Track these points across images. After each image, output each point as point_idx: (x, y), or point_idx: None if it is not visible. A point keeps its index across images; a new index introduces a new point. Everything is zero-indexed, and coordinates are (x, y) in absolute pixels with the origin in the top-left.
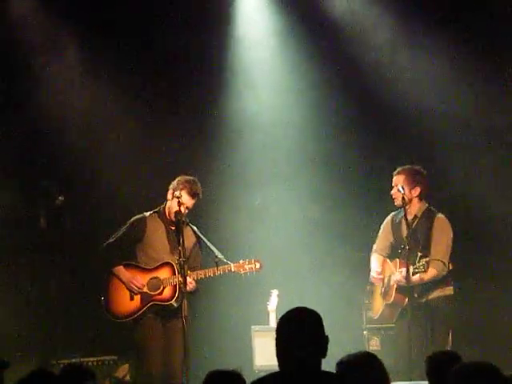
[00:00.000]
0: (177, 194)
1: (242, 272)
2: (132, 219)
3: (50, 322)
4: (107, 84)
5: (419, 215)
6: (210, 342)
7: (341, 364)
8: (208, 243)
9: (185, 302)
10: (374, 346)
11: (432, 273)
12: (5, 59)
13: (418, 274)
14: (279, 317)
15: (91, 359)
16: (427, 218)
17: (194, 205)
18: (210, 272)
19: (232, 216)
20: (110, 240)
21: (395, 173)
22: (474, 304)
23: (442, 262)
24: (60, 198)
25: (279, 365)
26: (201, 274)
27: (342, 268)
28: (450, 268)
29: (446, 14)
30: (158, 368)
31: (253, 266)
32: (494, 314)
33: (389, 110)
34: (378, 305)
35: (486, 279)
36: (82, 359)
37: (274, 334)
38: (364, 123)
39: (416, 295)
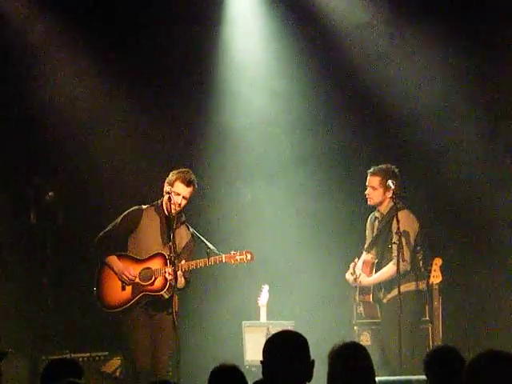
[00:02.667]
0: (170, 188)
1: (233, 263)
2: (128, 210)
3: (40, 318)
4: (101, 80)
5: (385, 213)
6: (201, 337)
7: (330, 354)
8: (199, 235)
9: (175, 297)
10: (364, 341)
11: (390, 269)
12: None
13: (372, 277)
14: (270, 312)
15: (82, 355)
16: (391, 214)
17: (192, 194)
18: (201, 263)
19: (223, 212)
20: (105, 231)
21: (370, 172)
22: (467, 296)
23: (402, 259)
24: (50, 193)
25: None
26: (192, 264)
27: (333, 263)
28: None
29: (440, 14)
30: (145, 360)
31: (244, 256)
32: (486, 305)
33: (382, 110)
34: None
35: (478, 271)
36: (72, 355)
37: (264, 330)
38: (355, 120)
39: (383, 291)
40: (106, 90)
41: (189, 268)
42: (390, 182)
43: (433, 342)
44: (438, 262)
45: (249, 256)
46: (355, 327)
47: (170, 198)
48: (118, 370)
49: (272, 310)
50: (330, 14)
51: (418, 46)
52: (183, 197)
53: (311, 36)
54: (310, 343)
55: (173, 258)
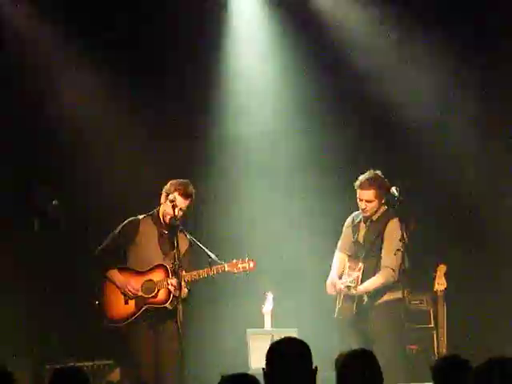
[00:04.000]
0: (171, 197)
1: (236, 271)
2: (125, 222)
3: (44, 325)
4: (104, 89)
5: (375, 219)
6: (205, 345)
7: (337, 362)
8: (199, 244)
9: (180, 307)
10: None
11: (378, 280)
12: None
13: (361, 286)
14: (274, 320)
15: (86, 363)
16: (381, 221)
17: (189, 207)
18: (203, 273)
19: (225, 218)
20: (103, 244)
21: (361, 186)
22: (472, 302)
23: (390, 268)
24: (54, 202)
25: None
26: (195, 274)
27: None
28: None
29: (442, 17)
30: (149, 371)
31: (246, 265)
32: (492, 311)
33: (385, 115)
34: (338, 305)
35: (483, 277)
36: (76, 363)
37: (269, 337)
38: (359, 126)
39: (366, 299)
40: (109, 98)
41: (191, 279)
42: (394, 190)
43: (438, 349)
44: (442, 268)
45: (251, 264)
46: None
47: (173, 205)
48: (123, 380)
49: (276, 318)
50: (332, 22)
51: (423, 53)
52: (180, 208)
53: (315, 44)
54: (314, 350)
55: (177, 267)
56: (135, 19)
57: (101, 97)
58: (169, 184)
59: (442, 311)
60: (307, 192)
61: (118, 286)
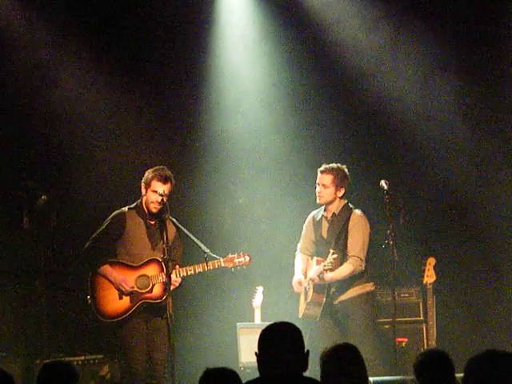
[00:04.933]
0: (151, 186)
1: (232, 266)
2: (111, 215)
3: (34, 321)
4: (96, 85)
5: (337, 212)
6: (195, 339)
7: (322, 356)
8: (194, 238)
9: (169, 299)
10: None
11: (348, 268)
12: None
13: (332, 273)
14: (264, 314)
15: (76, 358)
16: (344, 214)
17: (170, 189)
18: (199, 268)
19: (217, 214)
20: (92, 239)
21: (322, 170)
22: (461, 295)
23: (357, 257)
24: (43, 197)
25: (260, 372)
26: (190, 269)
27: None
28: (366, 265)
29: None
30: (141, 366)
31: (242, 259)
32: (481, 304)
33: (380, 113)
34: (302, 304)
35: (472, 270)
36: (66, 358)
37: (258, 331)
38: (352, 124)
39: (334, 292)
40: (100, 94)
41: (187, 274)
42: (383, 183)
43: (427, 342)
44: (431, 261)
45: (247, 258)
46: None
47: (153, 192)
48: (114, 373)
49: (266, 312)
50: (325, 19)
51: (417, 51)
52: (160, 194)
53: (306, 42)
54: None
55: (166, 260)
56: (125, 17)
57: (94, 94)
58: (146, 173)
59: (432, 303)
60: (297, 187)
61: (111, 282)
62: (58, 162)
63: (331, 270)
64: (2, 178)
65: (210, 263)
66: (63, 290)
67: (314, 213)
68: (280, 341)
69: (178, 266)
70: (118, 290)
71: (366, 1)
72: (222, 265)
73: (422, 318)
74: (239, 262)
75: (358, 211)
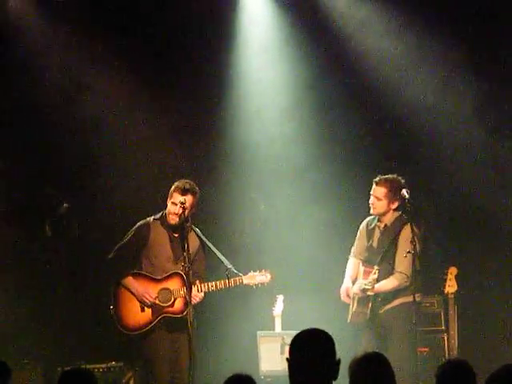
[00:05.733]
0: (173, 198)
1: (253, 284)
2: (137, 225)
3: (56, 328)
4: (117, 94)
5: (389, 224)
6: (216, 347)
7: (352, 365)
8: (217, 253)
9: (190, 307)
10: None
11: (392, 283)
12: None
13: (376, 285)
14: (285, 322)
15: (98, 366)
16: (395, 227)
17: (192, 202)
18: (221, 284)
19: (238, 222)
20: (116, 249)
21: (376, 182)
22: (483, 305)
23: (404, 274)
24: (65, 205)
25: (291, 379)
26: (212, 286)
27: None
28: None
29: (447, 18)
30: (165, 378)
31: (264, 277)
32: (503, 313)
33: (395, 119)
34: (350, 311)
35: (490, 280)
36: (87, 366)
37: (279, 340)
38: (367, 130)
39: (380, 302)
40: (123, 103)
41: (209, 290)
42: (404, 192)
43: (448, 352)
44: (453, 271)
45: (268, 276)
46: None
47: (173, 203)
48: (136, 382)
49: (287, 320)
50: (346, 29)
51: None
52: (181, 206)
53: (325, 50)
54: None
55: (187, 269)
56: (148, 23)
57: (117, 103)
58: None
59: (453, 313)
60: (319, 195)
61: (134, 294)
62: (81, 170)
63: (371, 289)
64: (25, 187)
65: (231, 280)
66: (85, 297)
67: (368, 219)
68: (311, 347)
69: (198, 281)
70: (140, 302)
71: (390, 7)
72: (244, 282)
73: (443, 327)
74: (260, 280)
75: (409, 226)
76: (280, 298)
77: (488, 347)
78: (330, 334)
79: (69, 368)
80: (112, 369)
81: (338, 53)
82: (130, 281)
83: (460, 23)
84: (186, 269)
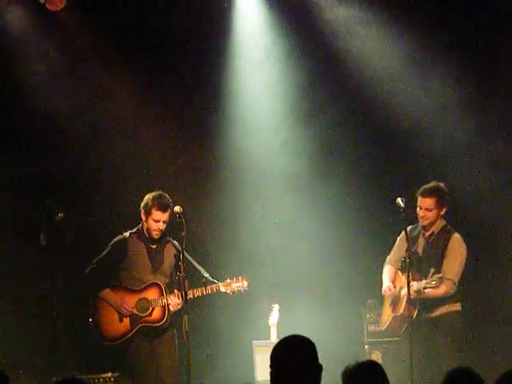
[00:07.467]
0: (152, 215)
1: (230, 291)
2: (113, 241)
3: (51, 339)
4: (119, 105)
5: (436, 232)
6: (211, 357)
7: (345, 374)
8: (193, 262)
9: (185, 317)
10: (375, 359)
11: (442, 290)
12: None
13: (427, 290)
14: (280, 332)
15: (92, 376)
16: (444, 236)
17: (170, 216)
18: (198, 292)
19: (234, 230)
20: (93, 264)
21: (422, 194)
22: (483, 320)
23: (452, 281)
24: (60, 214)
25: None
26: (189, 294)
27: (342, 282)
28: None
29: (448, 31)
30: (150, 382)
31: (240, 284)
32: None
33: (394, 125)
34: (386, 316)
35: (495, 296)
36: (81, 376)
37: None
38: (369, 136)
39: (424, 309)
40: (117, 111)
41: (187, 297)
42: (399, 200)
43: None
44: None
45: (245, 283)
46: (366, 346)
47: (154, 221)
48: None
49: (282, 330)
50: (340, 34)
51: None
52: (163, 221)
53: (323, 56)
54: (321, 363)
55: (182, 279)
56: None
57: (111, 112)
58: (144, 199)
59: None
60: (315, 205)
61: (112, 306)
62: (76, 181)
63: (435, 288)
64: (20, 196)
65: (208, 287)
66: (79, 307)
67: (409, 228)
68: (293, 354)
69: (176, 290)
70: (118, 312)
71: (387, 10)
72: (221, 289)
73: None
74: (237, 287)
75: (457, 235)
76: (276, 307)
77: (494, 356)
78: (326, 343)
79: (61, 378)
80: (107, 379)
81: (335, 57)
82: (107, 293)
83: (459, 26)
84: (182, 277)
